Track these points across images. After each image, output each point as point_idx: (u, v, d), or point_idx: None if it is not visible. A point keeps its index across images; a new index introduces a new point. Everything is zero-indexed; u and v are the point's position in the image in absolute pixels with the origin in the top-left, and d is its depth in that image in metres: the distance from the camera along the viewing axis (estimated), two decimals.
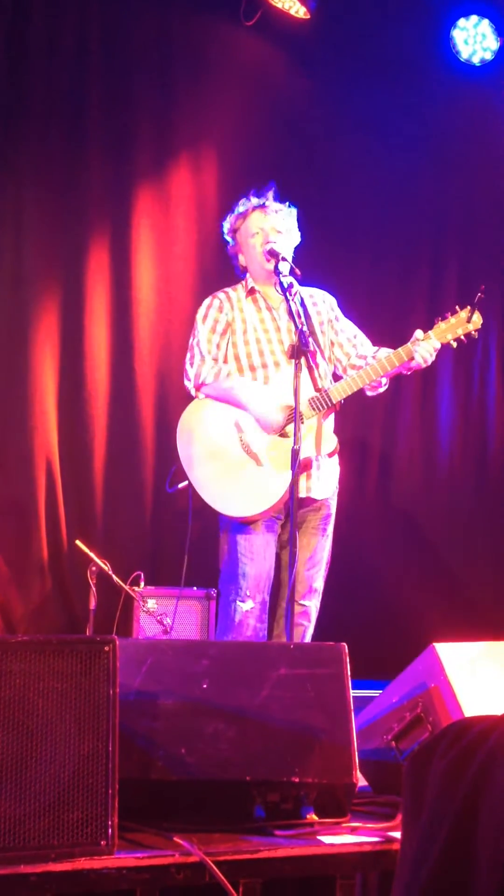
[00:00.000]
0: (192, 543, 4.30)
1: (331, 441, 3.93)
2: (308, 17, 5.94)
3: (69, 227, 5.57)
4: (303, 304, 3.95)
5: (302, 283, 4.04)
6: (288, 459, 3.75)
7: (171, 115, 5.88)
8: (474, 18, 6.27)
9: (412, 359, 3.84)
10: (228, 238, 4.19)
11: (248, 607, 3.86)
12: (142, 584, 4.63)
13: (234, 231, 4.15)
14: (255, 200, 4.11)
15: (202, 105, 5.93)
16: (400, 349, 3.86)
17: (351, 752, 2.57)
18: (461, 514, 6.28)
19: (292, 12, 5.90)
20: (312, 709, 2.60)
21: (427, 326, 3.94)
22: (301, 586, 3.89)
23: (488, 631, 3.26)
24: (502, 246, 6.48)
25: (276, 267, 3.87)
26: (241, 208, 4.13)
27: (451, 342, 3.88)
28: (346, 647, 2.72)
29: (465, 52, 6.28)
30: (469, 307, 3.86)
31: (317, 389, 3.84)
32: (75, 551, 4.52)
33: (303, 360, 3.60)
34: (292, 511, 3.53)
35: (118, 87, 5.75)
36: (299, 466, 3.76)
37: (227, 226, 4.18)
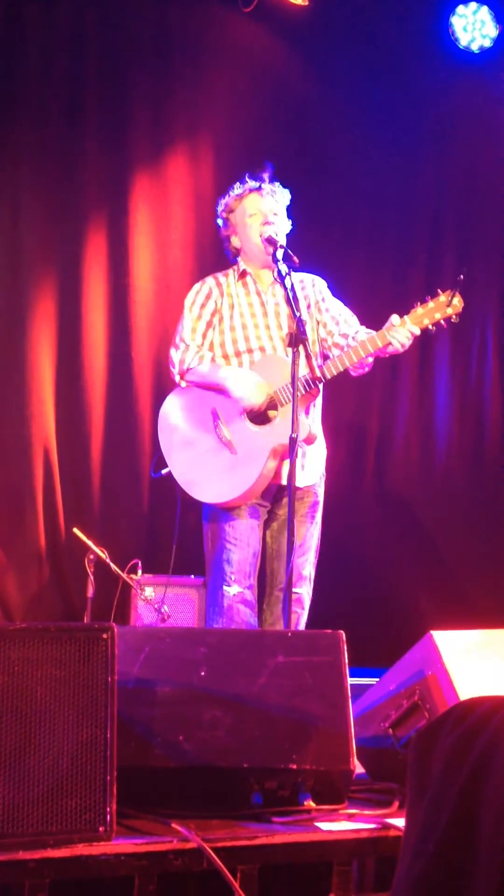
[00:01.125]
0: (188, 531, 4.32)
1: (309, 427, 3.90)
2: (306, 3, 5.92)
3: (66, 215, 5.55)
4: (292, 289, 3.92)
5: (294, 269, 4.02)
6: (262, 448, 3.81)
7: (168, 102, 5.86)
8: (473, 5, 6.25)
9: (389, 344, 3.77)
10: (221, 219, 4.16)
11: (234, 592, 3.86)
12: (139, 571, 4.63)
13: (229, 211, 4.12)
14: (251, 183, 4.09)
15: (200, 92, 5.91)
16: (376, 335, 3.81)
17: (348, 739, 2.58)
18: (458, 501, 6.28)
19: None
20: (310, 696, 2.61)
21: None
22: (298, 581, 3.89)
23: (485, 619, 3.27)
24: (500, 232, 6.48)
25: (273, 254, 3.86)
26: (237, 190, 4.10)
27: (430, 327, 3.78)
28: (344, 634, 2.73)
29: (464, 39, 6.26)
30: (449, 291, 3.76)
31: (314, 379, 3.81)
32: (73, 539, 4.52)
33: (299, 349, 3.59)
34: (291, 500, 3.53)
35: (115, 74, 5.72)
36: (279, 454, 3.82)
37: (221, 206, 4.15)
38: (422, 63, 6.26)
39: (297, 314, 3.61)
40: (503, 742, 1.11)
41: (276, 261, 3.84)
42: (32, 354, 5.37)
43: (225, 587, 3.87)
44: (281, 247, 3.85)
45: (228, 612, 3.84)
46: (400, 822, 2.42)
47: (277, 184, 4.12)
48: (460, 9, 6.25)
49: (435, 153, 6.34)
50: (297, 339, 3.56)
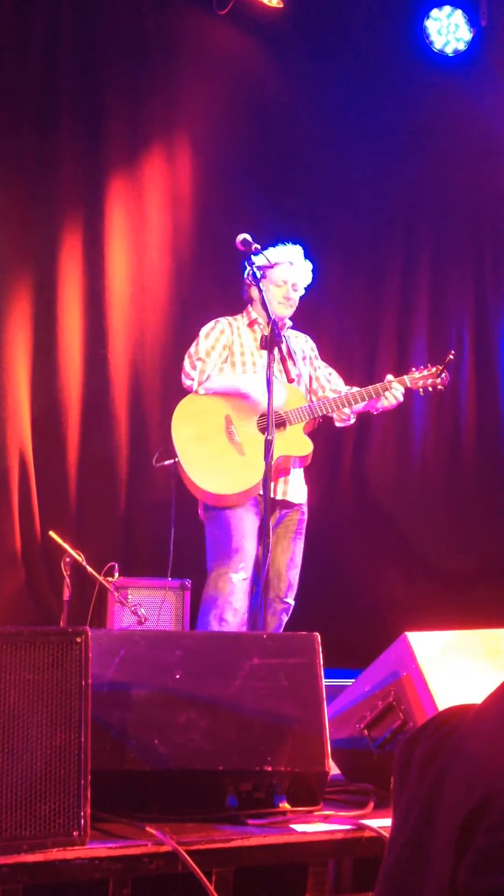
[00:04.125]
0: (165, 535, 4.42)
1: (309, 446, 4.29)
2: (281, 5, 5.93)
3: (41, 217, 5.54)
4: (289, 340, 4.37)
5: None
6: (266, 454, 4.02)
7: (144, 104, 5.86)
8: (447, 9, 6.29)
9: (382, 396, 4.29)
10: (252, 269, 4.22)
11: (240, 577, 4.13)
12: (116, 574, 4.62)
13: (262, 268, 4.31)
14: (290, 255, 4.40)
15: (175, 94, 5.91)
16: (376, 385, 4.32)
17: (323, 740, 2.58)
18: (434, 504, 6.31)
19: (265, 1, 5.89)
20: (285, 698, 2.61)
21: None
22: (284, 585, 4.28)
23: (460, 619, 3.28)
24: (474, 232, 6.51)
25: (248, 258, 4.01)
26: (276, 257, 4.35)
27: (420, 389, 4.36)
28: (319, 636, 2.73)
29: (438, 42, 6.30)
30: (439, 367, 4.35)
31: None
32: (49, 542, 4.51)
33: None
34: (266, 500, 3.57)
35: (91, 76, 5.72)
36: (276, 470, 4.15)
37: (257, 261, 4.22)
38: (396, 66, 6.29)
39: (272, 317, 3.66)
40: (462, 747, 1.13)
41: (250, 264, 4.06)
42: (7, 357, 5.35)
43: (231, 574, 4.13)
44: (255, 251, 4.02)
45: (231, 595, 4.09)
46: (375, 823, 2.42)
47: (308, 262, 4.46)
48: (434, 12, 6.29)
49: (409, 155, 6.37)
50: (270, 342, 3.60)
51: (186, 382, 4.36)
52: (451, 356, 4.37)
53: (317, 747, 2.57)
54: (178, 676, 2.60)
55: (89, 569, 4.37)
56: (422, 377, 4.36)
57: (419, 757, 1.22)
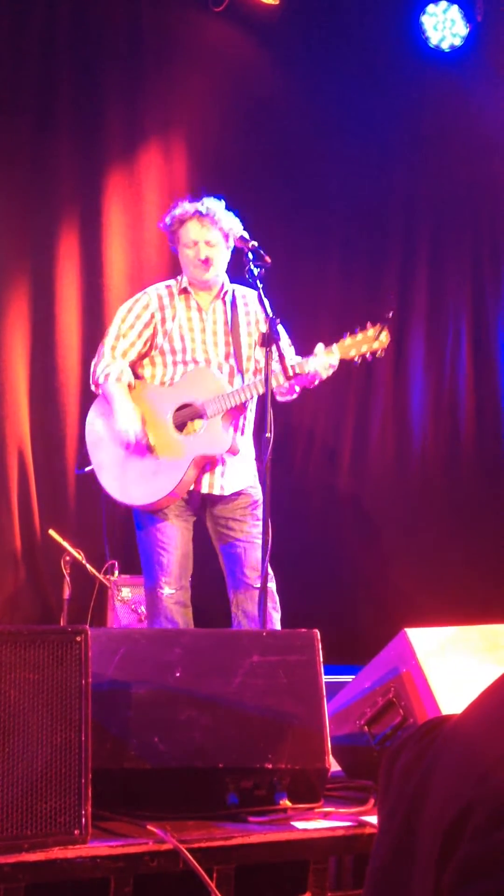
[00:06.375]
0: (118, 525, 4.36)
1: (232, 439, 3.90)
2: (277, 2, 5.93)
3: (38, 214, 5.54)
4: (234, 303, 3.98)
5: (235, 281, 4.05)
6: (185, 455, 3.85)
7: (140, 101, 5.86)
8: (443, 4, 6.28)
9: (309, 373, 3.79)
10: (167, 233, 4.10)
11: (167, 593, 3.90)
12: (116, 572, 4.63)
13: (172, 231, 4.07)
14: (194, 206, 4.02)
15: (172, 90, 5.91)
16: (299, 363, 3.80)
17: (324, 737, 2.59)
18: (433, 499, 6.31)
19: None
20: (285, 695, 2.62)
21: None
22: (252, 572, 3.87)
23: (459, 615, 3.28)
24: (472, 227, 6.51)
25: (245, 255, 3.85)
26: (179, 210, 4.03)
27: (356, 358, 3.85)
28: (319, 633, 2.74)
29: (434, 37, 6.29)
30: (378, 325, 3.84)
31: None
32: (49, 541, 4.52)
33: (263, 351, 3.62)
34: (266, 499, 3.55)
35: (87, 72, 5.72)
36: (200, 464, 3.86)
37: (167, 221, 4.07)
38: (392, 61, 6.28)
39: (270, 315, 3.62)
40: (444, 753, 1.14)
41: (248, 261, 3.83)
42: (5, 355, 5.35)
43: (158, 590, 3.91)
44: (252, 248, 3.83)
45: (165, 612, 3.89)
46: (376, 820, 2.43)
47: (221, 204, 4.04)
48: (431, 7, 6.28)
49: (406, 150, 6.37)
50: (269, 338, 3.58)
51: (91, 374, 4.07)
52: (391, 315, 3.86)
53: (317, 744, 2.57)
54: (178, 674, 2.60)
55: (89, 567, 4.38)
56: (354, 344, 3.82)
57: (403, 764, 1.22)
